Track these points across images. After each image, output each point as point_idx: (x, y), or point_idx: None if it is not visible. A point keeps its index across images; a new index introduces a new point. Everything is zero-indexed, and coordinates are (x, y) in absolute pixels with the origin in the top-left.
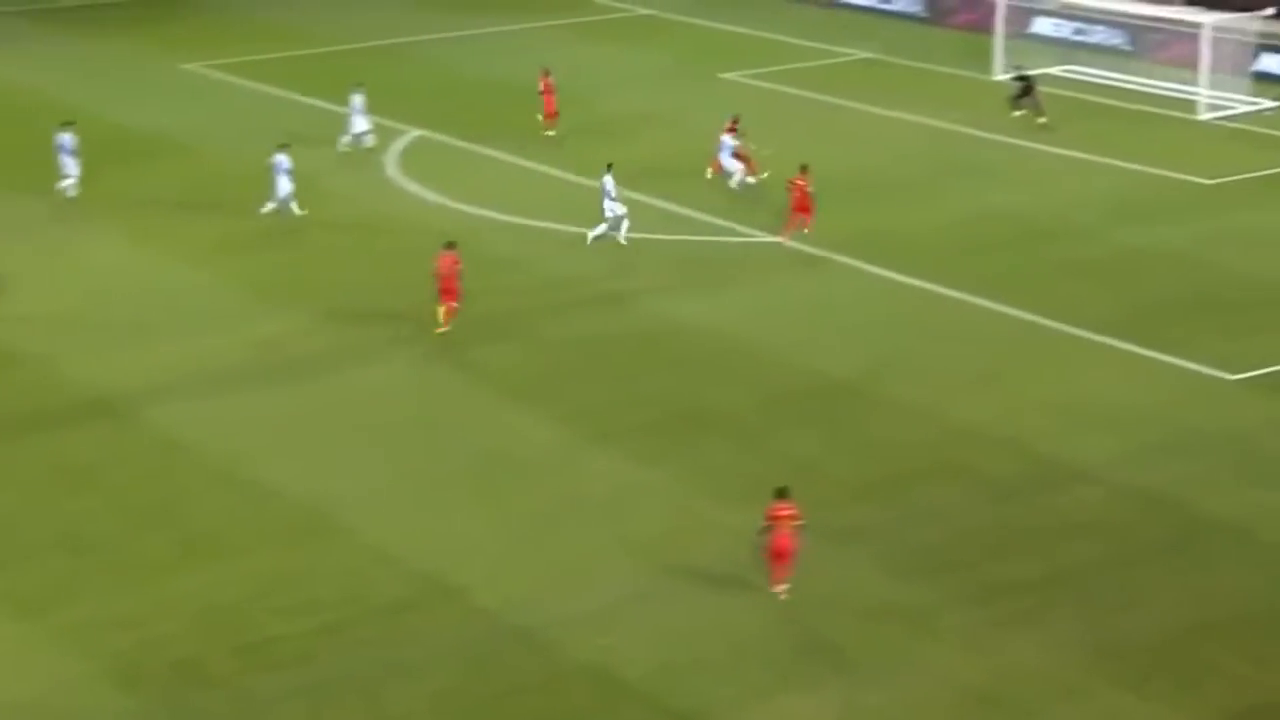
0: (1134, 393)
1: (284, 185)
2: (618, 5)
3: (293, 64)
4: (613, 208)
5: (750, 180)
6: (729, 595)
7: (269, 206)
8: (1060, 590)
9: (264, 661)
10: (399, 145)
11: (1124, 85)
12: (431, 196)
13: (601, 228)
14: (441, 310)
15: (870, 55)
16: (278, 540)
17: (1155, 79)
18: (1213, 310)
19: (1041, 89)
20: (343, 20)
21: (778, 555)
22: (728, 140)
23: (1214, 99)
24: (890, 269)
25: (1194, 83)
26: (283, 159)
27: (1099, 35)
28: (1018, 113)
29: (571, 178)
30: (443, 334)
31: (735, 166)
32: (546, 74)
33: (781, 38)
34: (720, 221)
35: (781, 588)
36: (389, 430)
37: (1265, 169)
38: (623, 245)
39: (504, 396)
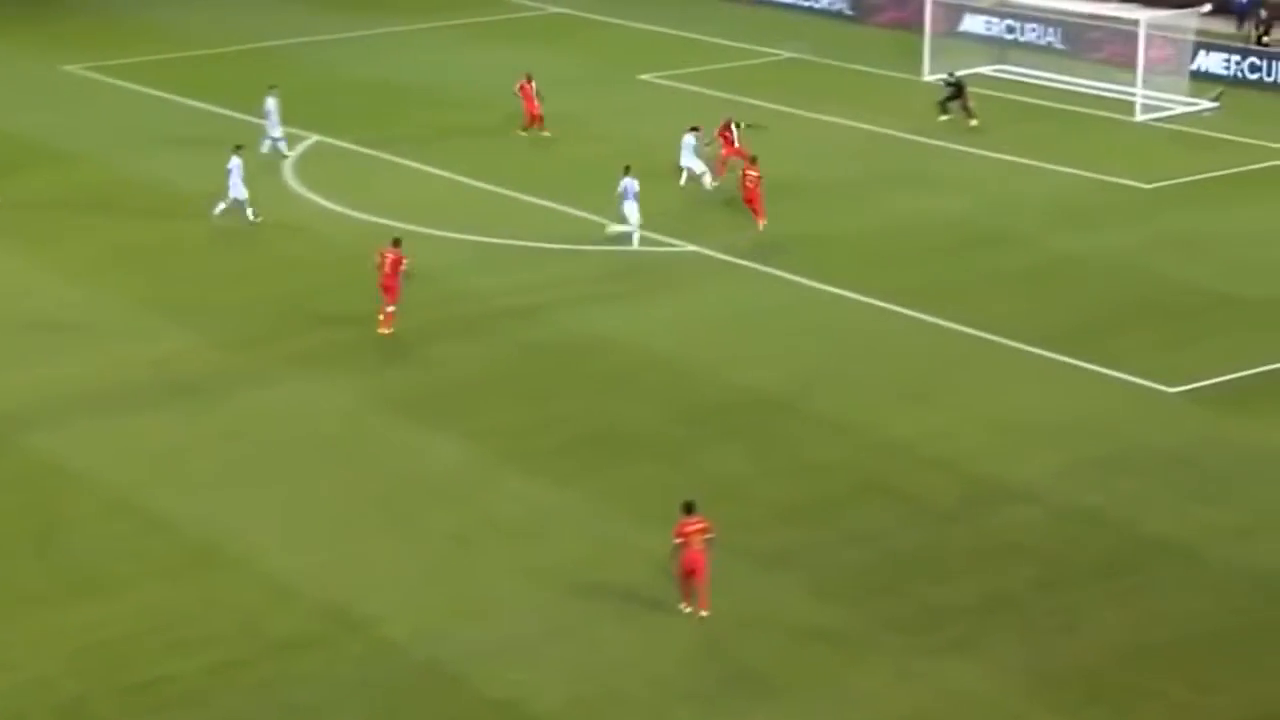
0: (1073, 407)
1: (238, 189)
2: (528, 3)
3: (179, 66)
4: (632, 211)
5: (714, 183)
6: (649, 624)
7: (220, 206)
8: (997, 614)
9: (153, 703)
10: (296, 151)
11: (1058, 85)
12: (331, 205)
13: (622, 228)
14: (385, 321)
15: (794, 55)
16: (168, 572)
17: (1091, 79)
18: (1152, 319)
19: (972, 90)
20: (231, 21)
21: (690, 572)
22: (689, 140)
23: (1151, 99)
24: (818, 279)
25: (1131, 83)
26: (237, 162)
27: (1032, 33)
28: (945, 116)
29: (478, 184)
30: (385, 335)
31: (700, 166)
32: (529, 79)
33: (702, 37)
34: (641, 231)
35: (693, 608)
36: (288, 453)
37: (1203, 172)
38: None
39: (410, 416)
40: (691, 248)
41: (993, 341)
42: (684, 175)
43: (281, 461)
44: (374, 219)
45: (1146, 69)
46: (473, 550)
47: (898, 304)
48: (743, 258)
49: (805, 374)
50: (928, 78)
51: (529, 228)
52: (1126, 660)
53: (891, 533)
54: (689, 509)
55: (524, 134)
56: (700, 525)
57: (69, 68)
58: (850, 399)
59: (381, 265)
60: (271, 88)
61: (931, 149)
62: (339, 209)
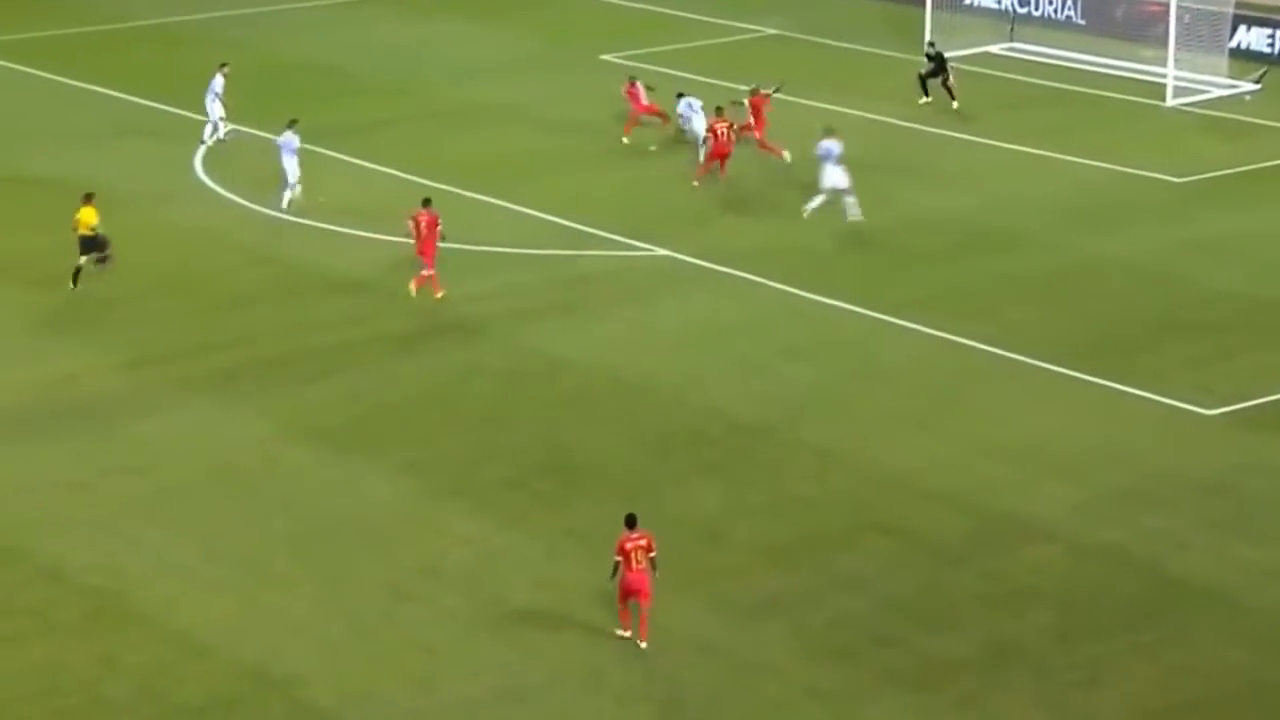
0: (1095, 432)
1: (292, 169)
2: None
3: (75, 44)
4: (836, 177)
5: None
6: (612, 685)
7: (287, 195)
8: (1009, 668)
9: None
10: (209, 143)
11: (1078, 66)
12: (247, 203)
13: (818, 201)
14: (416, 280)
15: (778, 31)
16: (59, 628)
17: (1114, 58)
18: (1185, 333)
19: (981, 71)
20: None
21: (631, 594)
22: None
23: (1184, 81)
24: (802, 287)
25: (1161, 62)
26: (291, 139)
27: (1048, 6)
28: (927, 98)
29: (416, 179)
30: (439, 299)
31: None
32: (633, 82)
33: (674, 11)
34: (598, 231)
35: (630, 633)
36: (196, 490)
37: (1243, 164)
38: (856, 220)
39: (336, 447)
40: (662, 251)
41: (1003, 358)
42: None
43: (189, 499)
44: (295, 220)
45: (1179, 46)
46: (408, 601)
47: (896, 315)
48: (720, 263)
49: (790, 397)
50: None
51: (473, 229)
52: (1156, 718)
53: (889, 577)
54: (630, 523)
55: (625, 141)
56: (643, 541)
57: None
58: (842, 425)
59: (416, 228)
60: (222, 65)
61: (933, 138)
62: (256, 209)
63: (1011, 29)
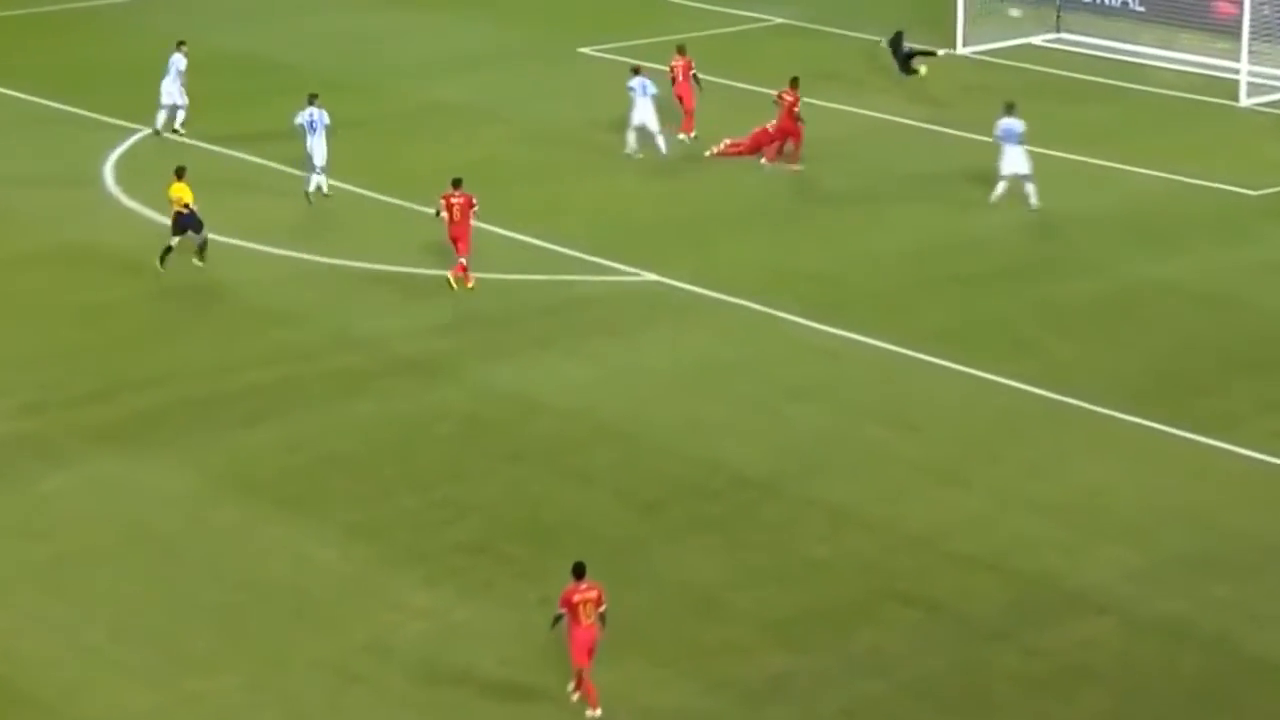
0: (1154, 487)
1: (320, 150)
2: None
3: None
4: (1015, 160)
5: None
6: None
7: (314, 182)
8: None
9: None
10: (120, 149)
11: (1134, 59)
12: (163, 220)
13: (1032, 191)
14: (454, 271)
15: (786, 21)
16: None
17: (1178, 50)
18: (1258, 370)
19: (1023, 66)
20: None
21: (580, 651)
22: (640, 86)
23: (1260, 78)
24: (814, 317)
25: (1233, 55)
26: (315, 113)
27: None
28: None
29: (364, 193)
30: (470, 288)
31: (656, 124)
32: (794, 86)
33: None
34: (576, 253)
35: (578, 695)
36: (105, 557)
37: None
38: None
39: (272, 504)
40: (652, 276)
41: (1047, 399)
42: (632, 138)
43: (97, 567)
44: (224, 239)
45: (1254, 37)
46: (356, 684)
47: (922, 350)
48: (719, 289)
49: (800, 445)
50: (962, 49)
51: (430, 250)
52: None
53: (914, 655)
54: (579, 572)
55: (768, 164)
56: (593, 593)
57: None
58: (860, 478)
59: (450, 212)
60: (180, 43)
61: (962, 144)
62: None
63: (1058, 16)
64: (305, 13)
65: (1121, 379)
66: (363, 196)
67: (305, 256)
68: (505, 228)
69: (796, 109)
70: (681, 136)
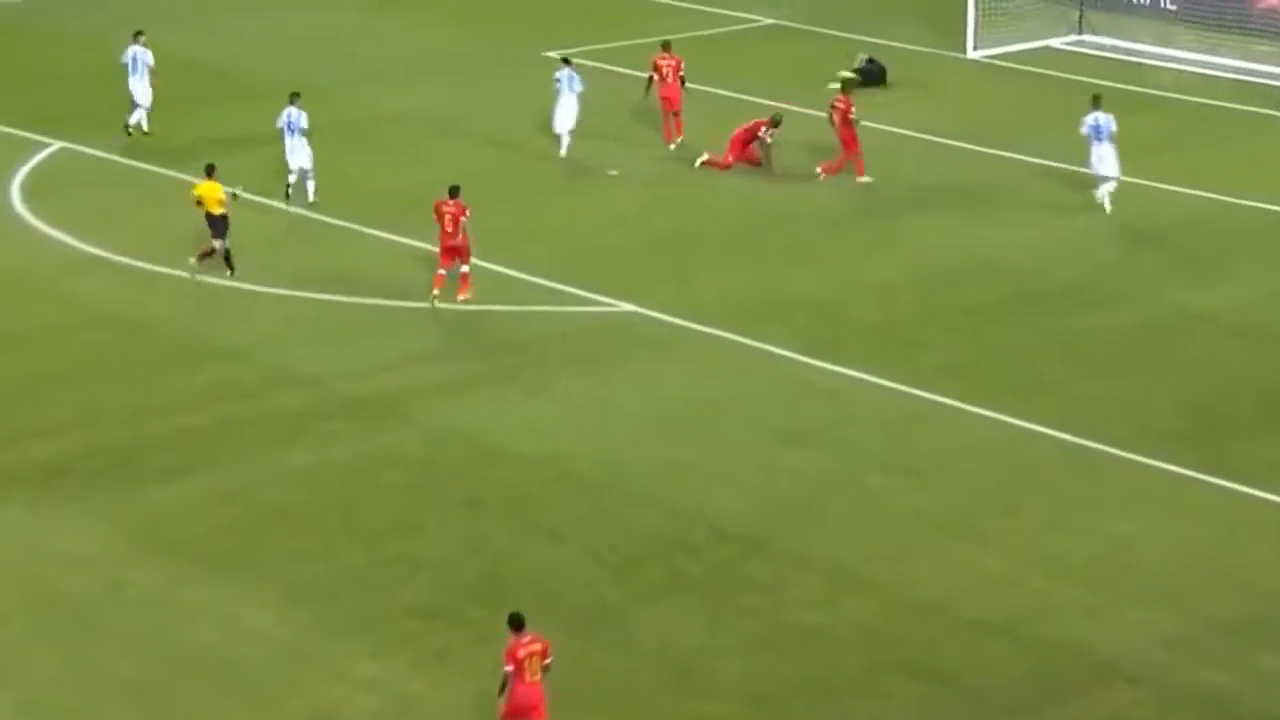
0: (1191, 543)
1: (301, 154)
2: None
3: None
4: (1107, 160)
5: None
6: None
7: (291, 178)
8: None
9: None
10: (29, 164)
11: (1166, 65)
12: (76, 244)
13: (1105, 190)
14: (454, 278)
15: (776, 21)
16: None
17: (1216, 54)
18: None
19: (1044, 73)
20: None
21: (525, 711)
22: (567, 79)
23: None
24: (810, 352)
25: (1276, 59)
26: (296, 114)
27: None
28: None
29: (303, 214)
30: (459, 304)
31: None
32: (845, 91)
33: None
34: (543, 280)
35: None
36: (8, 623)
37: None
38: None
39: (200, 563)
40: (627, 306)
41: (1071, 444)
42: (564, 143)
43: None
44: (144, 264)
45: None
46: None
47: (930, 389)
48: (703, 321)
49: (793, 496)
50: (972, 53)
51: (380, 279)
52: None
53: None
54: (518, 624)
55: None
56: (538, 646)
57: None
58: (861, 533)
59: (442, 222)
60: (138, 33)
61: (978, 158)
62: (88, 250)
63: (1080, 17)
64: (239, 13)
65: (1153, 421)
66: (305, 217)
67: (239, 285)
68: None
69: (851, 115)
70: (671, 146)
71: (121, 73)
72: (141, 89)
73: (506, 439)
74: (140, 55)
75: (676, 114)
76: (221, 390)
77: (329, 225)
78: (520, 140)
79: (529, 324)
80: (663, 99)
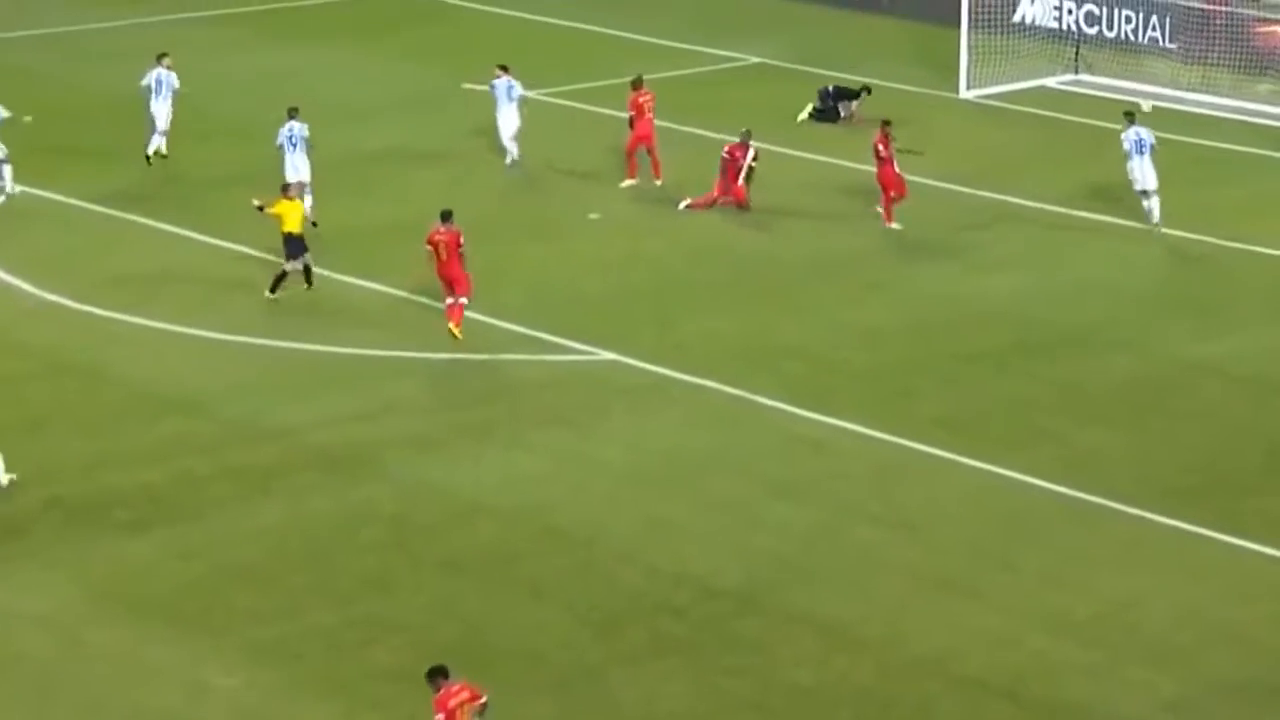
0: (1196, 601)
1: (303, 169)
2: None
3: None
4: (1145, 174)
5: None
6: None
7: (308, 202)
8: None
9: None
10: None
11: (1167, 105)
12: (32, 290)
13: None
14: (452, 316)
15: (764, 60)
16: None
17: (1218, 94)
18: None
19: (1040, 114)
20: None
21: None
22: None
23: None
24: (799, 402)
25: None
26: (298, 127)
27: (1124, 25)
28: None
29: (265, 256)
30: (457, 339)
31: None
32: (886, 128)
33: (621, 33)
34: (519, 327)
35: None
36: None
37: None
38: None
39: (163, 622)
40: (608, 354)
41: (1070, 498)
42: (511, 151)
43: None
44: (104, 312)
45: None
46: None
47: (925, 441)
48: (687, 370)
49: (782, 552)
50: (965, 93)
51: (348, 327)
52: None
53: None
54: (442, 675)
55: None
56: (465, 694)
57: None
58: (853, 590)
59: (436, 250)
60: (161, 56)
61: (975, 202)
62: (44, 296)
63: (1077, 55)
64: (188, 51)
65: (1155, 474)
66: (268, 262)
67: (202, 333)
68: (435, 298)
69: (882, 152)
70: (658, 182)
71: (76, 112)
72: (164, 112)
73: (483, 494)
74: (165, 78)
75: (652, 150)
76: (184, 443)
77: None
78: (493, 181)
79: (506, 373)
80: (640, 138)
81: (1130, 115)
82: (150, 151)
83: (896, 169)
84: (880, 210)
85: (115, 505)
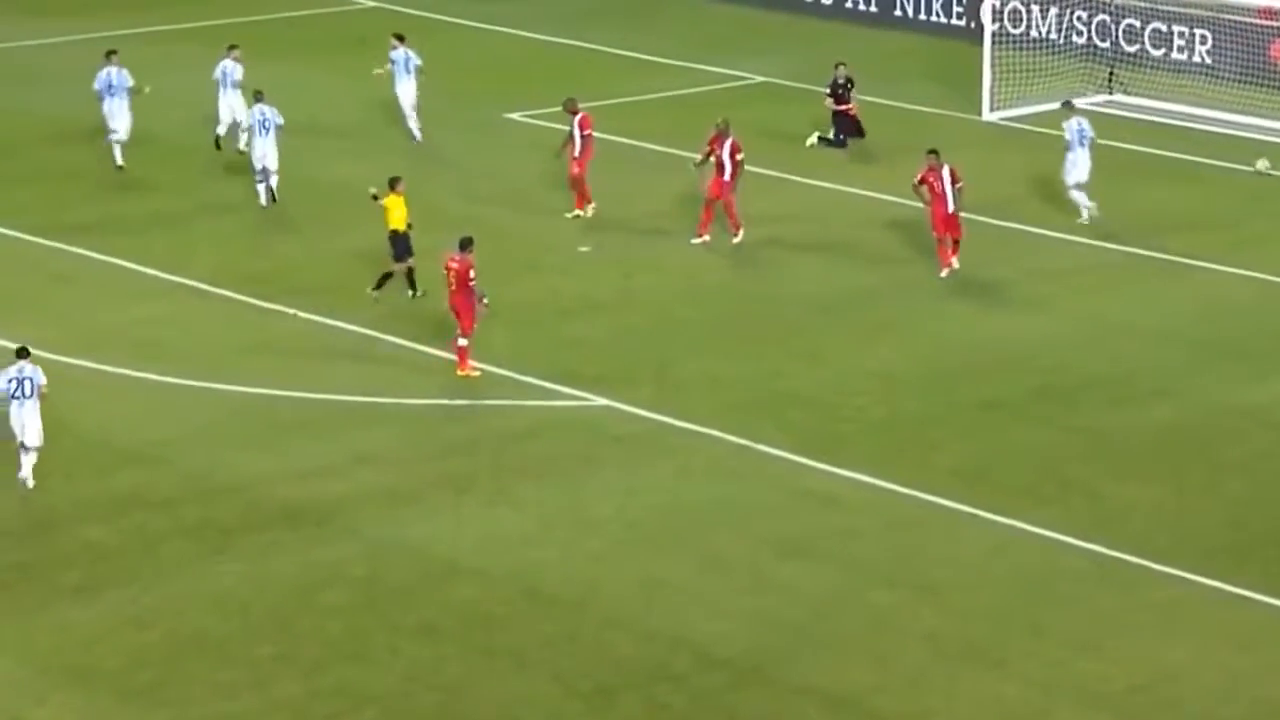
0: (1237, 670)
1: (271, 155)
2: None
3: None
4: (1079, 166)
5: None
6: None
7: (263, 191)
8: None
9: None
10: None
11: (1207, 128)
12: None
13: None
14: (460, 346)
15: (768, 79)
16: None
17: (1263, 115)
18: None
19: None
20: None
21: None
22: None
23: None
24: (804, 453)
25: None
26: (267, 111)
27: (1160, 44)
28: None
29: (229, 294)
30: (463, 377)
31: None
32: (936, 158)
33: (618, 51)
34: (507, 373)
35: None
36: None
37: None
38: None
39: (114, 695)
40: (600, 401)
41: (1101, 556)
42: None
43: None
44: (71, 360)
45: None
46: None
47: (942, 494)
48: (685, 418)
49: (788, 617)
50: (989, 115)
51: (316, 374)
52: None
53: None
54: None
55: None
56: None
57: None
58: (866, 657)
59: (448, 278)
60: (231, 48)
61: (995, 233)
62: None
63: (1110, 76)
64: (147, 71)
65: (1194, 531)
66: (233, 301)
67: (158, 378)
68: (414, 340)
69: (920, 187)
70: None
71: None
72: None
73: (463, 553)
74: (230, 71)
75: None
76: (137, 499)
77: (258, 308)
78: (473, 211)
79: (488, 420)
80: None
81: (1069, 104)
82: (221, 134)
83: (951, 208)
84: (945, 266)
85: (62, 568)
